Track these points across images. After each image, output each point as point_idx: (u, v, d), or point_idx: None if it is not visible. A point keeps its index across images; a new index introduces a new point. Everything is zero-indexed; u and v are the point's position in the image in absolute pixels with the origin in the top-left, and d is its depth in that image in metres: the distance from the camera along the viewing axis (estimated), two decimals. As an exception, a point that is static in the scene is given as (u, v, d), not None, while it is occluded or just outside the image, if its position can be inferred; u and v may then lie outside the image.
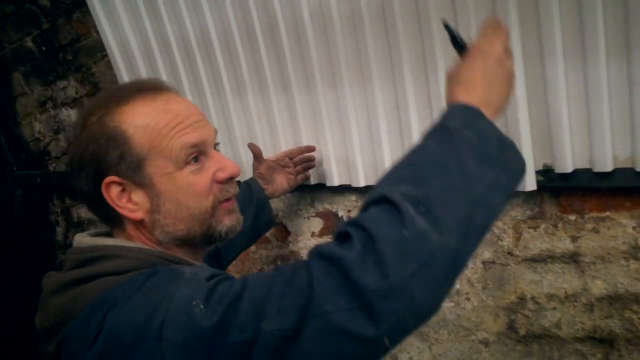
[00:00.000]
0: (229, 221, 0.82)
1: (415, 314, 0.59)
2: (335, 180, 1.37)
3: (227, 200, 0.82)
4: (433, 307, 0.61)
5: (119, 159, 0.75)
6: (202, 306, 0.62)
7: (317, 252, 0.64)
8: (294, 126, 1.38)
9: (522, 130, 1.06)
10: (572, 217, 1.12)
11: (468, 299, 1.29)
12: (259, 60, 1.37)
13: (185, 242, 0.81)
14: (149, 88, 0.80)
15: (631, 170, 1.00)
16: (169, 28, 1.48)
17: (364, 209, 0.66)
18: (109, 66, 1.73)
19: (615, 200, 1.06)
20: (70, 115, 2.10)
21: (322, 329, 0.58)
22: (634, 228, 1.06)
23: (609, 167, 1.00)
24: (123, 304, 0.65)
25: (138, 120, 0.75)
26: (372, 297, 0.57)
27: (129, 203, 0.77)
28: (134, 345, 0.62)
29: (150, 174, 0.76)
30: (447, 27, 0.84)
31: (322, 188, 1.43)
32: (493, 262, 1.23)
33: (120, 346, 0.63)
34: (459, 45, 0.83)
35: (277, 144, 1.43)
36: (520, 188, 1.10)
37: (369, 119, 1.25)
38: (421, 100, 1.17)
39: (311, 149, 1.37)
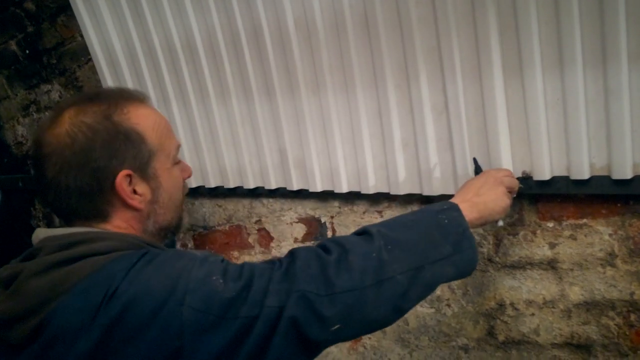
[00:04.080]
0: (185, 214, 0.99)
1: (362, 316, 0.77)
2: (318, 186, 1.38)
3: None
4: (375, 319, 0.79)
5: (134, 155, 0.84)
6: (221, 280, 0.74)
7: (304, 249, 0.82)
8: (277, 132, 1.39)
9: (502, 139, 1.08)
10: (550, 224, 1.13)
11: (448, 305, 1.30)
12: (243, 66, 1.37)
13: (163, 230, 0.93)
14: (135, 95, 0.91)
15: (607, 178, 1.01)
16: (154, 33, 1.49)
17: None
18: (94, 70, 1.73)
19: (592, 207, 1.08)
20: (53, 119, 2.09)
21: (298, 301, 0.73)
22: (610, 235, 1.07)
23: (585, 175, 1.02)
24: (134, 278, 0.72)
25: (148, 122, 0.87)
26: (337, 291, 0.75)
27: (136, 195, 0.86)
28: (154, 313, 0.70)
29: (155, 168, 0.88)
30: (475, 162, 1.11)
31: (305, 194, 1.43)
32: (473, 269, 1.24)
33: (140, 314, 0.70)
34: (478, 170, 1.10)
35: (260, 150, 1.44)
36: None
37: (352, 125, 1.26)
38: (402, 107, 1.18)
39: None
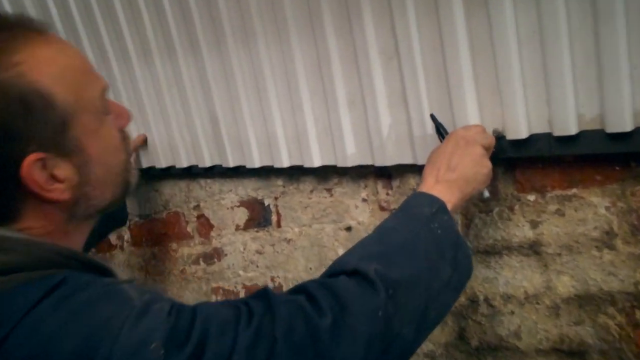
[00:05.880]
0: (135, 175, 0.74)
1: None
2: (255, 161, 1.16)
3: None
4: None
5: (41, 128, 0.59)
6: (162, 351, 0.52)
7: (284, 297, 0.62)
8: (206, 95, 1.18)
9: (466, 89, 0.88)
10: (532, 197, 0.92)
11: (412, 303, 1.08)
12: (163, 17, 1.17)
13: (101, 210, 0.69)
14: (28, 26, 0.62)
15: (600, 132, 0.80)
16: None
17: (334, 275, 0.66)
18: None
19: (583, 172, 0.86)
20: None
21: None
22: (607, 208, 0.85)
23: (572, 130, 0.81)
24: (34, 326, 0.52)
25: (53, 69, 0.60)
26: None
27: (56, 183, 0.62)
28: None
29: (76, 136, 0.62)
30: (433, 118, 0.89)
31: (244, 171, 1.21)
32: (439, 257, 1.02)
33: None
34: (441, 133, 0.88)
35: (189, 119, 1.23)
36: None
37: (288, 81, 1.05)
38: (346, 54, 0.97)
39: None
